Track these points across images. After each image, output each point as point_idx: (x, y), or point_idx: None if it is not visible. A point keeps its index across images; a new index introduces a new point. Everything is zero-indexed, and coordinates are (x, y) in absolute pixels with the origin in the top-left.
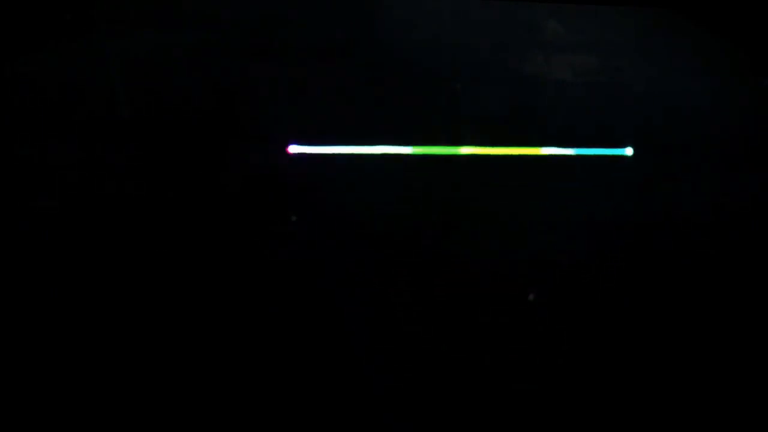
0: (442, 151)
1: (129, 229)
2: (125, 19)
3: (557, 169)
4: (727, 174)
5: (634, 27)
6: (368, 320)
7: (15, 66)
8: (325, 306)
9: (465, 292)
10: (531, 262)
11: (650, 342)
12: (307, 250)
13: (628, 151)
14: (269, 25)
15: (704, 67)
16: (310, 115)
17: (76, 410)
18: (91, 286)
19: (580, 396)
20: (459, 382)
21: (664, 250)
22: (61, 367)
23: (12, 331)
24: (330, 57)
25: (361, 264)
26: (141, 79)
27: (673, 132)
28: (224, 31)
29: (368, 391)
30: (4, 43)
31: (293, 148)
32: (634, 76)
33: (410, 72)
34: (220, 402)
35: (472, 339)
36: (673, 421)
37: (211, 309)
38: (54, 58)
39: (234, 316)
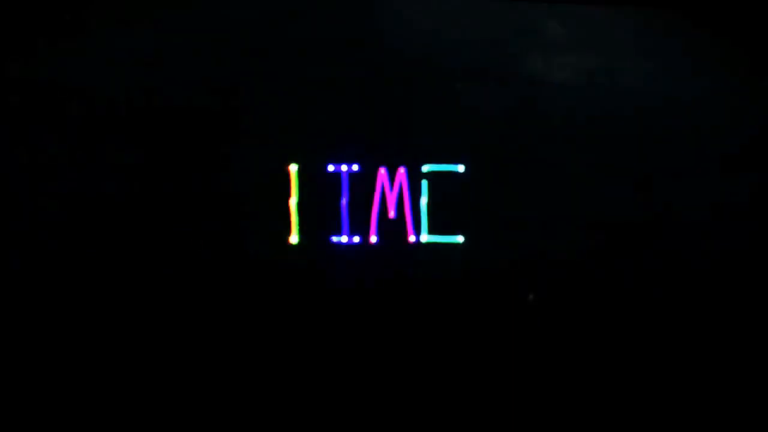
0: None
1: (128, 229)
2: (125, 19)
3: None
4: (726, 173)
5: (634, 27)
6: (368, 320)
7: (15, 66)
8: (325, 303)
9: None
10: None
11: (649, 341)
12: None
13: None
14: (269, 25)
15: (704, 67)
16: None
17: (74, 406)
18: (90, 284)
19: (580, 396)
20: (457, 383)
21: (663, 249)
22: (62, 365)
23: (12, 330)
24: (330, 56)
25: (362, 261)
26: (141, 79)
27: (673, 131)
28: (224, 31)
29: (368, 391)
30: (4, 43)
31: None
32: (633, 76)
33: (410, 71)
34: (218, 401)
35: (471, 337)
36: (672, 419)
37: (210, 308)
38: (54, 58)
39: (233, 315)
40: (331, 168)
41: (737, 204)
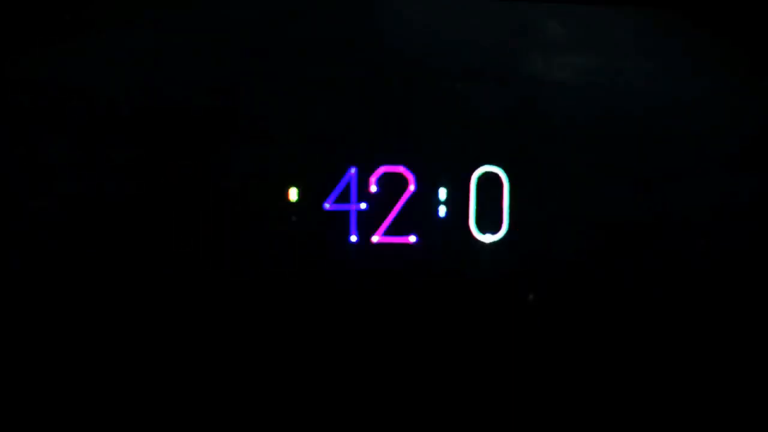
0: None
1: (128, 229)
2: (125, 19)
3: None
4: (726, 173)
5: (634, 27)
6: (367, 320)
7: (15, 66)
8: (325, 304)
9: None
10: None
11: (649, 341)
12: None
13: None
14: (269, 25)
15: (704, 66)
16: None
17: (74, 406)
18: (90, 284)
19: (580, 396)
20: (457, 384)
21: (663, 249)
22: (62, 365)
23: (12, 330)
24: (330, 56)
25: (361, 261)
26: (141, 79)
27: (673, 131)
28: (224, 31)
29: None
30: (4, 43)
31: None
32: (633, 76)
33: (410, 71)
34: (218, 401)
35: (471, 337)
36: (672, 419)
37: (209, 308)
38: (54, 58)
39: (233, 315)
40: (333, 168)
41: (737, 204)
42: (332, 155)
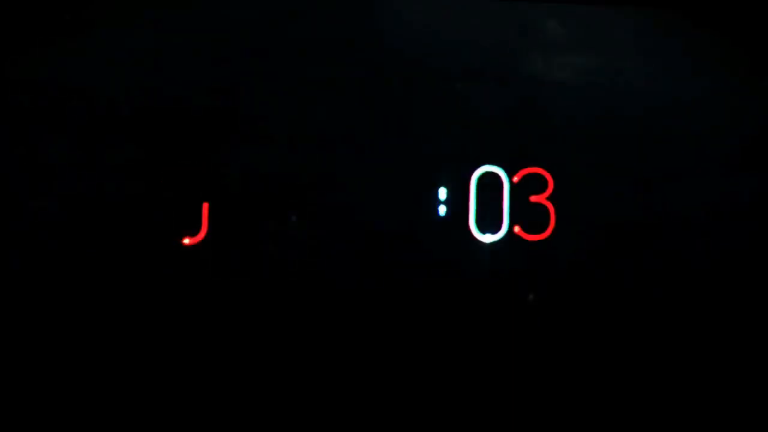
0: None
1: (128, 229)
2: (125, 19)
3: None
4: (726, 173)
5: (634, 27)
6: (368, 322)
7: (15, 66)
8: (324, 303)
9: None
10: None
11: (649, 341)
12: (307, 249)
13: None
14: (269, 25)
15: (704, 66)
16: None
17: (74, 406)
18: (90, 284)
19: (580, 396)
20: (458, 384)
21: (663, 249)
22: (62, 365)
23: (12, 330)
24: (330, 56)
25: (361, 261)
26: (141, 79)
27: (673, 131)
28: (224, 31)
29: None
30: (4, 43)
31: None
32: (633, 76)
33: (410, 71)
34: (219, 401)
35: (472, 336)
36: (672, 419)
37: (211, 308)
38: (54, 58)
39: (233, 315)
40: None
41: (737, 204)
42: (333, 155)
